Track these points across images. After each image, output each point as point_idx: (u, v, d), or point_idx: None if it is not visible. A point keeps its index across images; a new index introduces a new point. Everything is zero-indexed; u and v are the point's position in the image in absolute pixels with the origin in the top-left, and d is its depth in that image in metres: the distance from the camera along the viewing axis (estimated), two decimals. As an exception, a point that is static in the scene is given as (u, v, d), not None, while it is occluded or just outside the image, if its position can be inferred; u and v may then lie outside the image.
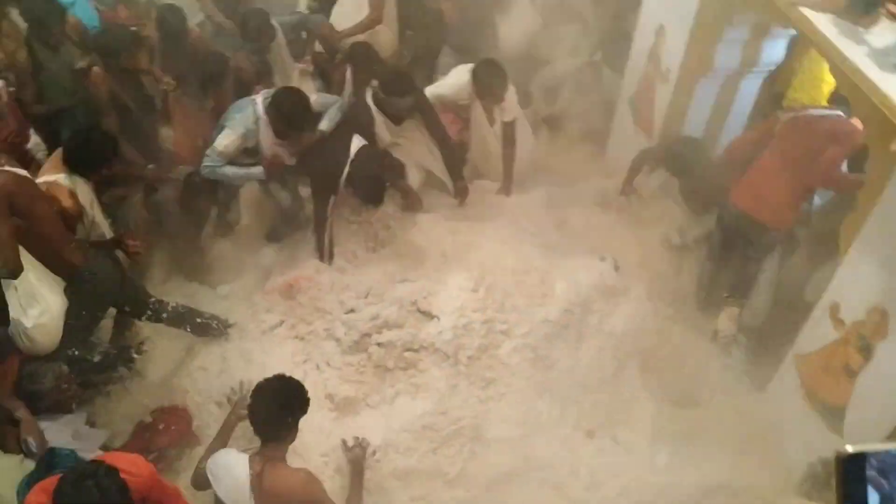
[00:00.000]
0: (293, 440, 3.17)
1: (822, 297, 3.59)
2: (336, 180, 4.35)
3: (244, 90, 4.70)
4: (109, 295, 3.99)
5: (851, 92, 3.05)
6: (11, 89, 4.33)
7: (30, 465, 3.32)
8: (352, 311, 4.31)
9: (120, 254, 4.08)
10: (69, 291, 3.74)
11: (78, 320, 3.79)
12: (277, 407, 3.07)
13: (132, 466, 2.70)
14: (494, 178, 5.04)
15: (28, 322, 3.58)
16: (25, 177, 3.53)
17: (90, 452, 3.73)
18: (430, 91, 4.76)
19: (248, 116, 4.24)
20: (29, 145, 4.26)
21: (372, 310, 4.25)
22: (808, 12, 3.26)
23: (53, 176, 3.74)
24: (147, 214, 4.68)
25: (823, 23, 3.19)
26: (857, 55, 2.97)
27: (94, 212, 3.96)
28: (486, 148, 4.96)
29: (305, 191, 4.83)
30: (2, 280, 3.50)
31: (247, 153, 4.37)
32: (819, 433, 3.60)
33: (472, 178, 4.99)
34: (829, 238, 3.68)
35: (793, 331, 3.85)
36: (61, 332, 3.72)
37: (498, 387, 4.06)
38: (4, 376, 3.53)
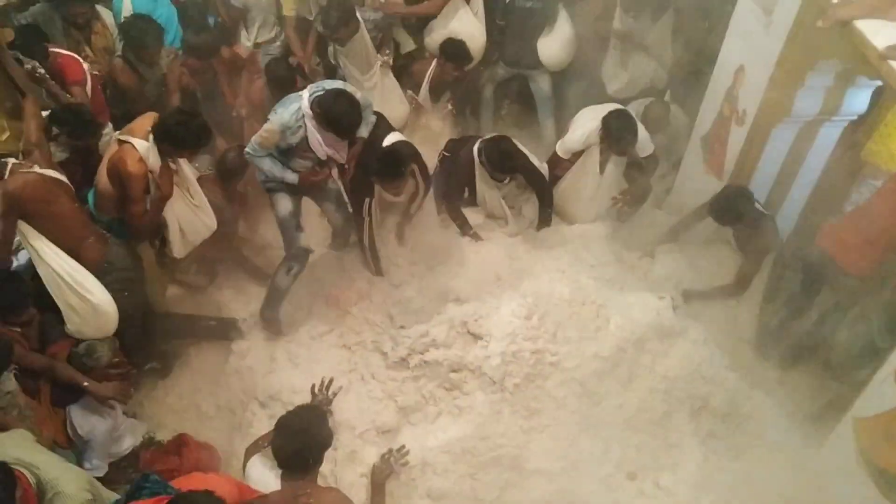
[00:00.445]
0: (320, 466, 3.10)
1: (889, 359, 3.44)
2: (370, 181, 4.33)
3: None
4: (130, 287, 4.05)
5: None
6: (95, 73, 4.51)
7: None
8: (402, 326, 4.33)
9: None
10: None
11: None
12: (301, 444, 2.99)
13: (219, 487, 2.69)
14: (569, 221, 5.03)
15: (81, 306, 3.70)
16: (45, 178, 3.63)
17: (130, 441, 3.85)
18: (562, 147, 4.83)
19: (290, 112, 4.02)
20: (105, 130, 4.42)
21: (421, 328, 4.25)
22: (897, 66, 3.16)
23: (132, 138, 3.82)
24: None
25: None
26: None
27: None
28: (582, 193, 4.91)
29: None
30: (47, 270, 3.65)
31: (296, 152, 4.19)
32: (872, 500, 3.45)
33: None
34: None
35: (856, 390, 3.71)
36: (117, 317, 3.82)
37: (542, 418, 4.02)
38: (55, 356, 3.67)
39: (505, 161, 4.56)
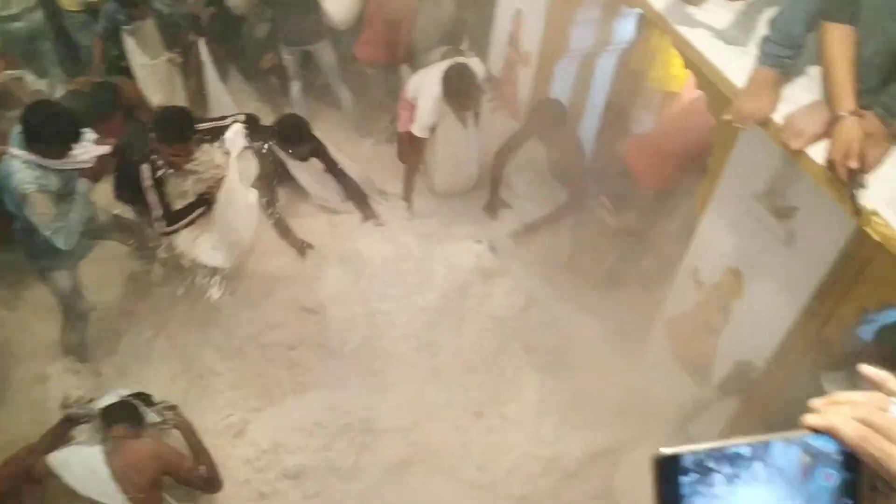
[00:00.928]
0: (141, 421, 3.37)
1: (684, 262, 3.77)
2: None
3: None
4: None
5: (690, 66, 3.22)
6: None
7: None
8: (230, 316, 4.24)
9: None
10: None
11: None
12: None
13: None
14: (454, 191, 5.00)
15: None
16: None
17: None
18: (420, 127, 4.62)
19: None
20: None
21: (251, 312, 4.18)
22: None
23: None
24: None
25: (657, 1, 3.34)
26: (689, 31, 3.13)
27: None
28: (461, 158, 4.84)
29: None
30: None
31: None
32: (688, 390, 3.80)
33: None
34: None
35: (662, 297, 4.05)
36: None
37: (385, 377, 4.09)
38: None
39: (295, 134, 4.43)
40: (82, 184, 3.63)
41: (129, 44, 4.90)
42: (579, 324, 4.43)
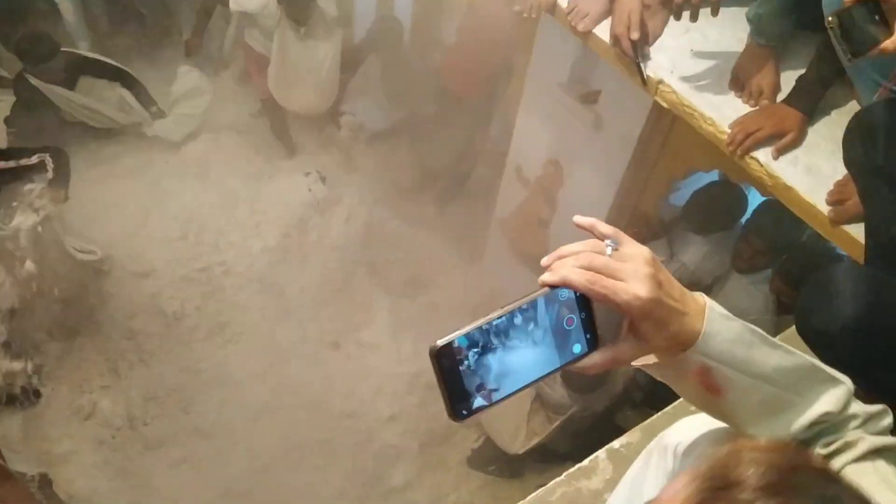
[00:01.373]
0: None
1: (507, 162, 3.85)
2: None
3: None
4: None
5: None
6: None
7: None
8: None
9: None
10: None
11: None
12: None
13: None
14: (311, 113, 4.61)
15: None
16: None
17: None
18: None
19: None
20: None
21: (77, 289, 3.91)
22: None
23: None
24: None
25: None
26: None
27: None
28: (304, 76, 4.37)
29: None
30: None
31: None
32: (531, 280, 3.94)
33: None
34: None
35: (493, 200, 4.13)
36: None
37: (233, 328, 3.99)
38: None
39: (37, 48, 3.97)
40: None
41: None
42: (421, 239, 4.46)
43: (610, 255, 0.79)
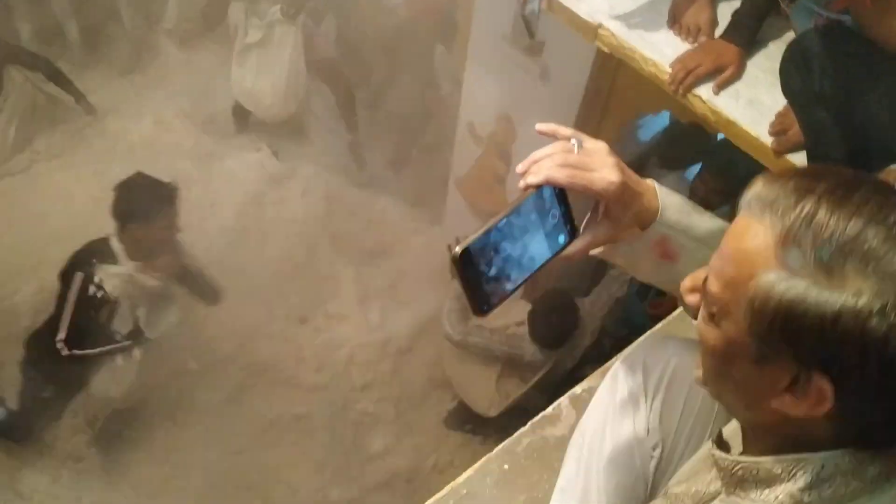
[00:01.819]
0: None
1: (459, 120, 3.82)
2: None
3: None
4: None
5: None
6: None
7: None
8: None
9: None
10: None
11: None
12: None
13: None
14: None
15: None
16: None
17: None
18: None
19: None
20: None
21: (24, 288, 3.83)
22: None
23: None
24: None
25: None
26: None
27: None
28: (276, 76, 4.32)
29: None
30: None
31: None
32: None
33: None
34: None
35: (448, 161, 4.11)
36: None
37: (197, 311, 3.91)
38: None
39: None
40: None
41: None
42: (380, 206, 4.44)
43: (578, 153, 0.89)
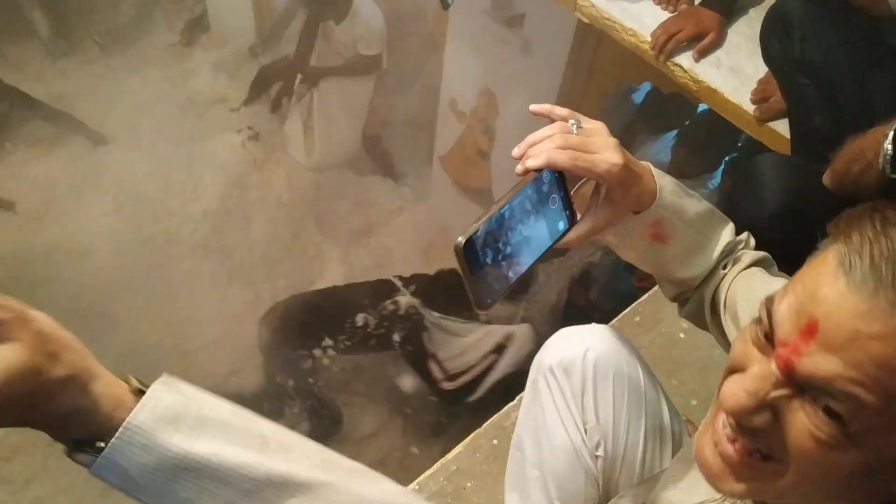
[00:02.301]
0: None
1: (440, 97, 3.80)
2: None
3: None
4: None
5: None
6: None
7: None
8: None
9: None
10: None
11: None
12: None
13: None
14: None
15: None
16: None
17: None
18: None
19: None
20: None
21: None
22: None
23: None
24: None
25: None
26: None
27: None
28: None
29: None
30: None
31: None
32: (473, 210, 3.94)
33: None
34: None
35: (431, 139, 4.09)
36: None
37: (184, 295, 3.90)
38: None
39: None
40: None
41: None
42: (364, 186, 4.41)
43: (576, 133, 0.84)
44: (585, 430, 1.05)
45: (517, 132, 3.43)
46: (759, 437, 0.61)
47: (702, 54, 2.02)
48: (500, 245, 0.80)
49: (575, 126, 0.85)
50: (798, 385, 0.58)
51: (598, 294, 3.39)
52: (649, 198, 0.90)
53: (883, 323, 0.53)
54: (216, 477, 0.60)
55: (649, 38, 2.11)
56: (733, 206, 1.47)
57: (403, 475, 3.54)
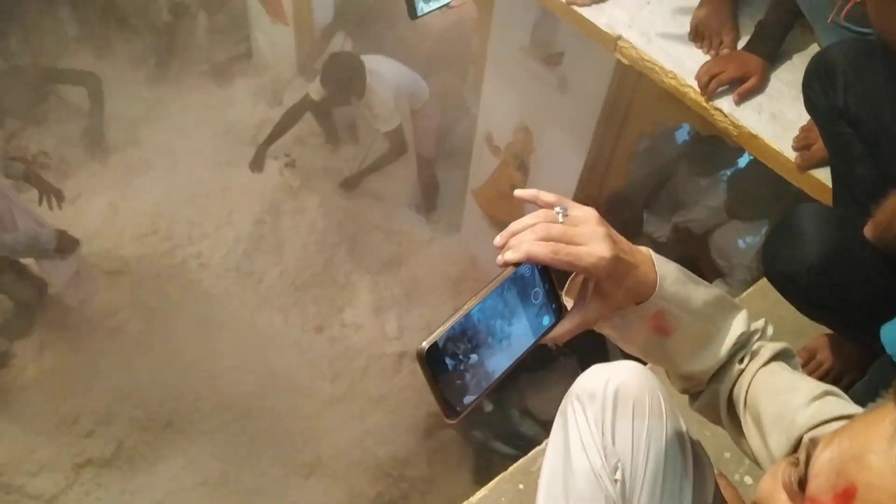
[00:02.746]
0: None
1: (476, 131, 3.81)
2: None
3: None
4: None
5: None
6: None
7: None
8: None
9: None
10: None
11: None
12: None
13: None
14: None
15: None
16: None
17: None
18: None
19: None
20: None
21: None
22: None
23: None
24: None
25: None
26: None
27: None
28: None
29: None
30: None
31: None
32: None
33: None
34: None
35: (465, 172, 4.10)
36: None
37: (214, 318, 3.94)
38: None
39: None
40: None
41: None
42: (397, 218, 4.43)
43: (562, 222, 0.79)
44: (605, 454, 1.03)
45: (552, 169, 3.43)
46: None
47: (743, 97, 2.00)
48: (471, 348, 0.73)
49: (561, 214, 0.79)
50: None
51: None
52: (648, 289, 0.83)
53: None
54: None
55: (689, 81, 2.09)
56: (771, 256, 1.44)
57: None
